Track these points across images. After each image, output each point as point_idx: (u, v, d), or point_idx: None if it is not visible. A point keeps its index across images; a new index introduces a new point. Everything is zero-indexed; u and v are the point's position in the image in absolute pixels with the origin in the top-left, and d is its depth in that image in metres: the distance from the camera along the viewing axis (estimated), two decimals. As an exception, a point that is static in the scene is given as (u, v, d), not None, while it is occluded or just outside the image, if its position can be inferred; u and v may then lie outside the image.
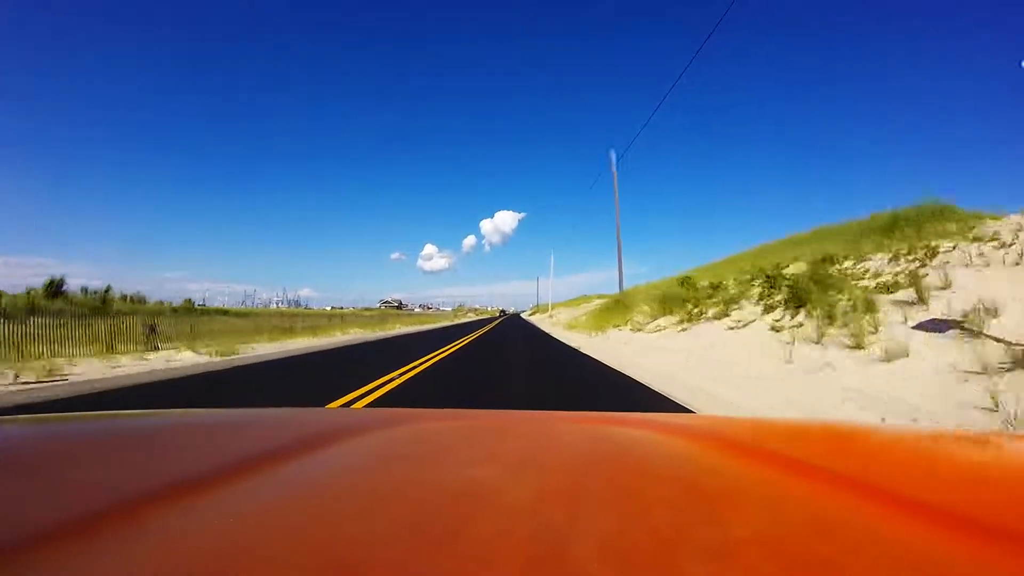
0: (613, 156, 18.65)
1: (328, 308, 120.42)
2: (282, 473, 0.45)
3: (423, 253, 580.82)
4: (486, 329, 23.14)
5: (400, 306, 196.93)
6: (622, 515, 0.35)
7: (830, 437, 0.68)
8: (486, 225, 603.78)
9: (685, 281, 15.43)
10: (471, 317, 77.88)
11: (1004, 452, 0.56)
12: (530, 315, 79.51)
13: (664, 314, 12.56)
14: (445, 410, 0.86)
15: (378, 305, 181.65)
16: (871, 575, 0.26)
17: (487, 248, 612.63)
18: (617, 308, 16.02)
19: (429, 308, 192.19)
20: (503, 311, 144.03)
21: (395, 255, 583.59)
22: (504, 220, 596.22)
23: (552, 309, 52.60)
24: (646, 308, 14.85)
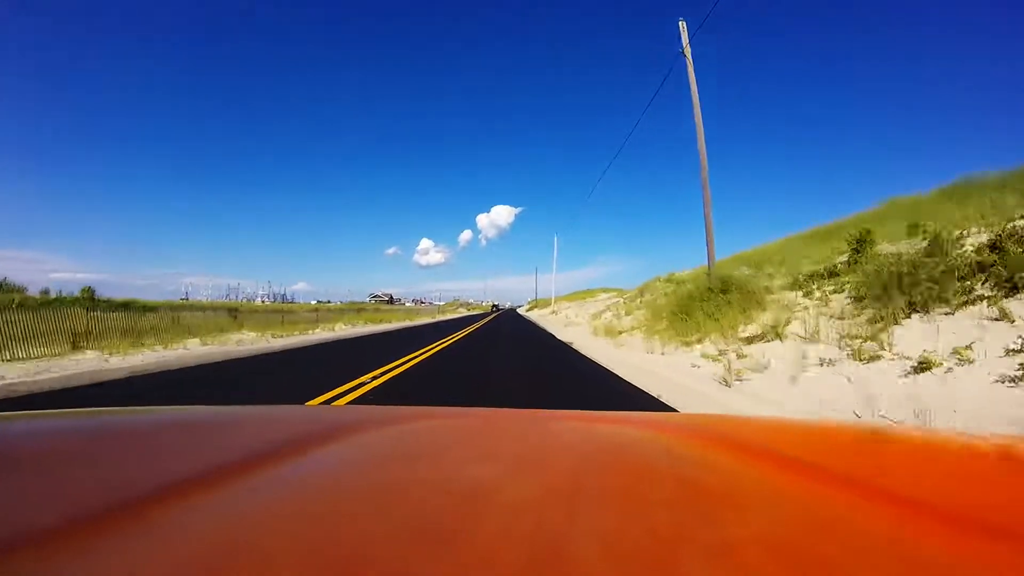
0: (684, 30, 10.56)
1: (314, 302, 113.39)
2: (281, 471, 0.45)
3: (419, 248, 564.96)
4: (466, 332, 15.29)
5: (391, 300, 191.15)
6: (622, 514, 0.35)
7: (830, 437, 0.67)
8: (482, 220, 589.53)
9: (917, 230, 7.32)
10: (462, 312, 69.10)
11: (1004, 452, 0.55)
12: (528, 311, 71.80)
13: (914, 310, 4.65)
14: (444, 408, 0.85)
15: (368, 299, 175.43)
16: (871, 575, 0.26)
17: (483, 243, 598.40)
18: (714, 300, 7.96)
19: (422, 302, 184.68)
20: (496, 306, 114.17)
21: (391, 250, 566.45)
22: (501, 215, 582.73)
23: (555, 303, 44.45)
24: (795, 299, 6.86)
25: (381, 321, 23.14)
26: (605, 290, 56.02)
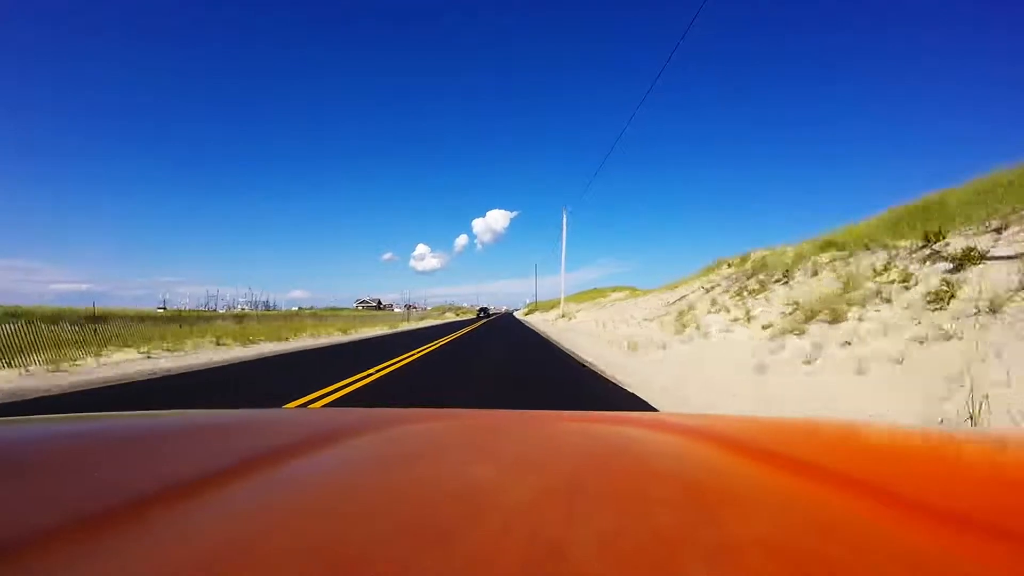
0: None
1: (295, 308, 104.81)
2: (281, 473, 0.45)
3: (415, 253, 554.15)
4: (389, 368, 5.73)
5: (379, 305, 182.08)
6: (621, 515, 0.36)
7: (830, 436, 0.67)
8: (478, 224, 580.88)
9: None
10: (449, 317, 58.94)
11: (1004, 452, 0.55)
12: (527, 314, 62.15)
13: None
14: (444, 410, 0.86)
15: (354, 305, 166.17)
16: (871, 575, 0.26)
17: (479, 247, 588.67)
18: None
19: (414, 307, 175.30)
20: (484, 309, 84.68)
21: (387, 255, 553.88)
22: (496, 219, 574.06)
23: (563, 305, 34.66)
24: None
25: (317, 332, 14.49)
26: (616, 288, 46.71)
